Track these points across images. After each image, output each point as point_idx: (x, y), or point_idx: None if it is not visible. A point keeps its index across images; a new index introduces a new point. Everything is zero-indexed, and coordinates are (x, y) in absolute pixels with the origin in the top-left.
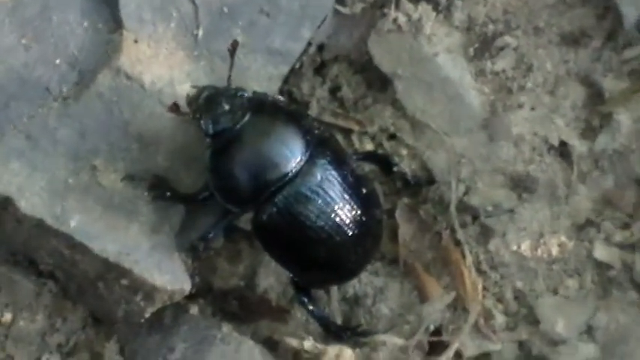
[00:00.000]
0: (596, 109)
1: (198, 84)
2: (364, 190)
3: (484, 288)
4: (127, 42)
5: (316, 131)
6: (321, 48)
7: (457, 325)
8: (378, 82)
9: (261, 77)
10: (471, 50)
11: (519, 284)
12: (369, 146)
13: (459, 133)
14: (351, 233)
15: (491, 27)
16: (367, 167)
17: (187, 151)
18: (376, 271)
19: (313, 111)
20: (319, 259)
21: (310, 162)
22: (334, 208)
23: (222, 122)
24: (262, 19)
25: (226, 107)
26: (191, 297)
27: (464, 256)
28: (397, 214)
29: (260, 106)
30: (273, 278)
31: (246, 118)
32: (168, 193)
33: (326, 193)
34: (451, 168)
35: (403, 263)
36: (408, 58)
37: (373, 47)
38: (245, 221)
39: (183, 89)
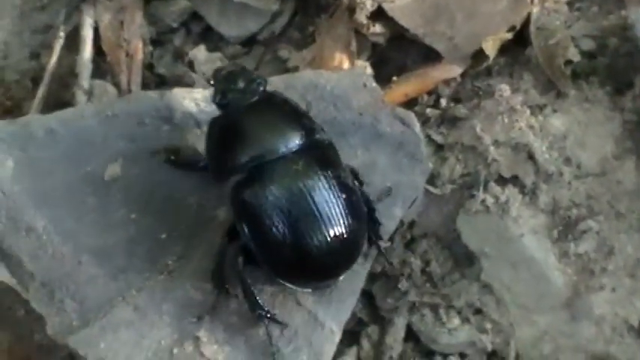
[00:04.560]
0: None
1: None
2: (345, 196)
3: None
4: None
5: (317, 134)
6: (411, 225)
7: None
8: (465, 259)
9: None
10: (555, 232)
11: None
12: (456, 320)
13: (542, 311)
14: (325, 234)
15: (574, 211)
16: None
17: None
18: None
19: (403, 285)
20: (291, 254)
21: (298, 154)
22: (311, 205)
23: (229, 96)
24: None
25: (240, 85)
26: None
27: None
28: None
29: (271, 94)
30: None
31: (253, 100)
32: (172, 157)
33: (305, 187)
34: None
35: None
36: (495, 237)
37: (462, 226)
38: None
39: None
